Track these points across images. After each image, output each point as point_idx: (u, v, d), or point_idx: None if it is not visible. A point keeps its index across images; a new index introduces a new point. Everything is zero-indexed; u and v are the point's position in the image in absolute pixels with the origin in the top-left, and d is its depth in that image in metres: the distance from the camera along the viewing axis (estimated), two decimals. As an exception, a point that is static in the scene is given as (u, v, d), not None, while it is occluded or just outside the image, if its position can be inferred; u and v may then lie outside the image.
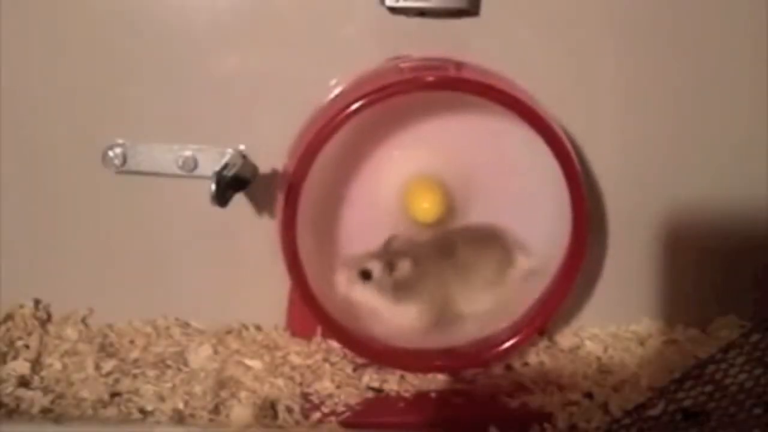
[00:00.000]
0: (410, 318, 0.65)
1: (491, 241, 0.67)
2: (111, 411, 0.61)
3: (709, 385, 0.59)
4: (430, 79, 0.61)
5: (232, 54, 0.67)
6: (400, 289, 0.64)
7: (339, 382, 0.65)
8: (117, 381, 0.65)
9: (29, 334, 0.69)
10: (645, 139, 0.69)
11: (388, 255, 0.64)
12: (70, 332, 0.70)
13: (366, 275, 0.64)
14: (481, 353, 0.66)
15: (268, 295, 0.69)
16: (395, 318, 0.65)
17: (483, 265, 0.67)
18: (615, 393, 0.64)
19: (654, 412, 0.58)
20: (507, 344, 0.66)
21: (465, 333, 0.67)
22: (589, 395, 0.64)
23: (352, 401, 0.63)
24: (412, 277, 0.64)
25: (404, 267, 0.64)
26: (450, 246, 0.66)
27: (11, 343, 0.68)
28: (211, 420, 0.61)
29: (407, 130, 0.66)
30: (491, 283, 0.67)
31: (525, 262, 0.67)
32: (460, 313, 0.67)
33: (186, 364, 0.67)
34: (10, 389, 0.62)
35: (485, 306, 0.67)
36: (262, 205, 0.69)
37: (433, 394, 0.65)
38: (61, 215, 0.70)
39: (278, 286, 0.67)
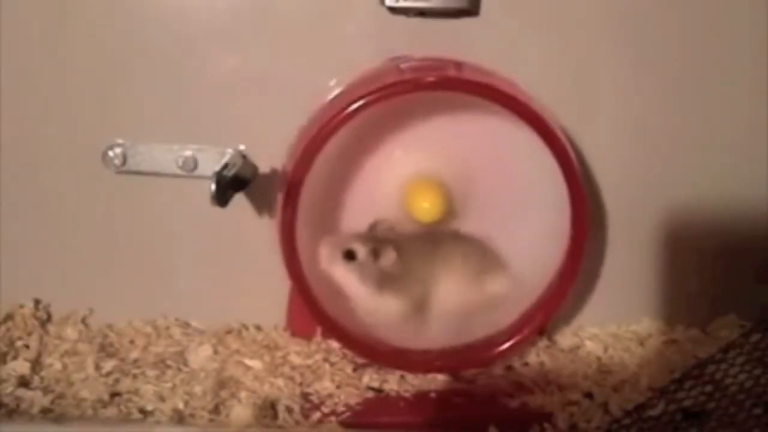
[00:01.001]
0: (390, 309, 0.65)
1: (476, 247, 0.67)
2: (111, 411, 0.61)
3: (709, 385, 0.59)
4: (430, 79, 0.61)
5: (231, 54, 0.67)
6: (383, 279, 0.64)
7: (339, 382, 0.65)
8: (117, 381, 0.65)
9: (29, 334, 0.69)
10: (645, 139, 0.69)
11: (374, 241, 0.64)
12: (70, 332, 0.70)
13: (350, 255, 0.64)
14: (481, 353, 0.66)
15: (268, 295, 0.69)
16: (375, 306, 0.65)
17: (463, 264, 0.66)
18: (615, 393, 0.64)
19: (654, 412, 0.58)
20: (507, 344, 0.66)
21: (433, 336, 0.67)
22: (589, 395, 0.64)
23: (352, 401, 0.63)
24: (396, 268, 0.64)
25: (389, 256, 0.63)
26: (434, 241, 0.66)
27: (11, 343, 0.68)
28: (211, 420, 0.61)
29: (407, 130, 0.66)
30: (467, 287, 0.66)
31: (504, 283, 0.67)
32: (433, 311, 0.66)
33: (186, 364, 0.67)
34: (10, 389, 0.62)
35: (455, 309, 0.66)
36: (262, 205, 0.69)
37: (433, 394, 0.65)
38: (61, 215, 0.70)
39: (278, 286, 0.67)
